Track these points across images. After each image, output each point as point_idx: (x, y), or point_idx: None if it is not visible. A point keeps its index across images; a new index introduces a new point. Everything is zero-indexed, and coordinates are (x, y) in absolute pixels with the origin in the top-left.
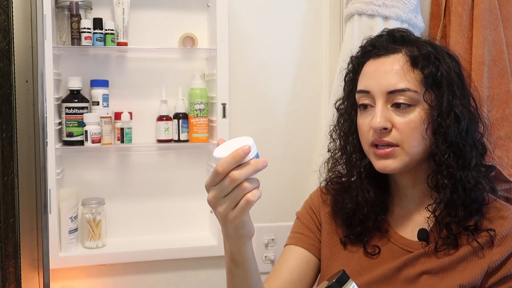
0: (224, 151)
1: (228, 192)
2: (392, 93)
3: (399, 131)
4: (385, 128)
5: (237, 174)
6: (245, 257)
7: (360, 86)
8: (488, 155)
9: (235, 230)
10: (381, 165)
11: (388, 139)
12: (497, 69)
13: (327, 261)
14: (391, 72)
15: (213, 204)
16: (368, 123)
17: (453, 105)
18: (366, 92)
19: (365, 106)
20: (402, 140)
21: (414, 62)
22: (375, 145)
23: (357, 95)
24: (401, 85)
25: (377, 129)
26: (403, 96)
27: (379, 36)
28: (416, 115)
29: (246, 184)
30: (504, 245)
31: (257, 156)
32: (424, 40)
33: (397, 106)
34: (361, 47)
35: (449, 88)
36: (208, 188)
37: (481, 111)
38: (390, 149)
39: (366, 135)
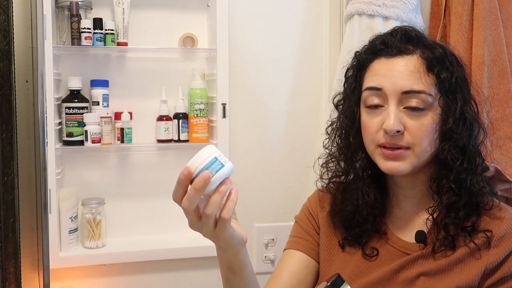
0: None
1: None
2: (406, 93)
3: (412, 134)
4: (398, 131)
5: (186, 206)
6: (242, 264)
7: (370, 83)
8: (488, 155)
9: (226, 243)
10: (389, 166)
11: (400, 142)
12: (497, 69)
13: (325, 264)
14: (405, 72)
15: (195, 229)
16: (377, 123)
17: (465, 111)
18: (378, 90)
19: (374, 106)
20: (413, 143)
21: (430, 66)
22: (383, 146)
23: (366, 93)
24: (417, 87)
25: (390, 131)
26: (417, 99)
27: (391, 35)
28: (429, 119)
29: (206, 210)
30: (501, 246)
31: (213, 161)
32: (432, 41)
33: (411, 109)
34: (370, 44)
35: (462, 94)
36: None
37: (480, 115)
38: (400, 151)
39: (373, 136)
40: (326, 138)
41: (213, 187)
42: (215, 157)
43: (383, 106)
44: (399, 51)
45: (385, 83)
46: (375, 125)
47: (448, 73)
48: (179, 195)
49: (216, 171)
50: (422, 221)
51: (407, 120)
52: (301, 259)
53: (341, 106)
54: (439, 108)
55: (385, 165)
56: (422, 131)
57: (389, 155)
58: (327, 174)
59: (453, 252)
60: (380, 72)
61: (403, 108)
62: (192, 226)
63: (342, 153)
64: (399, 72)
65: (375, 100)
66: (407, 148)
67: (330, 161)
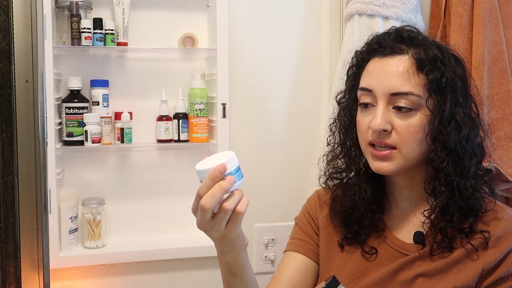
0: (205, 165)
1: (213, 214)
2: (394, 95)
3: (399, 134)
4: (385, 130)
5: (207, 203)
6: (243, 267)
7: (363, 84)
8: (488, 156)
9: (231, 244)
10: (377, 166)
11: (387, 141)
12: (497, 69)
13: (324, 264)
14: (395, 74)
15: (204, 228)
16: (368, 122)
17: (455, 112)
18: (368, 91)
19: (365, 105)
20: (400, 143)
21: (420, 66)
22: (373, 145)
23: (359, 92)
24: (405, 88)
25: (376, 130)
26: (405, 100)
27: (386, 34)
28: (417, 119)
29: (226, 204)
30: (499, 246)
31: (238, 169)
32: (431, 41)
33: (398, 109)
34: (367, 43)
35: (453, 95)
36: (195, 212)
37: (481, 116)
38: (387, 151)
39: (364, 134)
40: (330, 135)
41: (219, 196)
42: (239, 166)
43: (374, 106)
44: (392, 51)
45: (375, 84)
46: (366, 124)
47: (438, 74)
48: (207, 190)
49: (238, 180)
50: (419, 221)
51: (395, 120)
52: (301, 261)
53: (342, 104)
54: (428, 109)
55: (373, 164)
56: (410, 131)
57: (376, 155)
58: (329, 171)
59: (450, 253)
60: (372, 72)
61: (392, 108)
62: (202, 225)
63: (342, 150)
64: (389, 73)
65: (367, 100)
66: (394, 148)
67: (332, 158)
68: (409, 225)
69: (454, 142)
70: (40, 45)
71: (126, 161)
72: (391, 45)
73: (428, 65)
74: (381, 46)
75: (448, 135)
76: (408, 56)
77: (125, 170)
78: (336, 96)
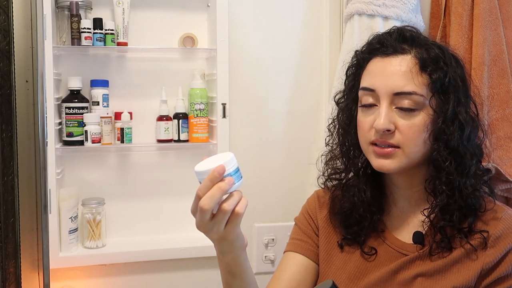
0: (204, 166)
1: (213, 215)
2: (398, 95)
3: (402, 133)
4: (388, 130)
5: (206, 204)
6: (242, 268)
7: (365, 83)
8: (487, 156)
9: (230, 245)
10: (379, 163)
11: (390, 141)
12: (497, 69)
13: (324, 265)
14: (398, 73)
15: (204, 229)
16: (370, 121)
17: (458, 112)
18: (371, 90)
19: (367, 105)
20: (403, 143)
21: (423, 66)
22: (375, 144)
23: (360, 92)
24: (408, 88)
25: (380, 130)
26: (408, 100)
27: (388, 34)
28: (420, 119)
29: (225, 206)
30: (498, 246)
31: (237, 170)
32: (431, 41)
33: (401, 108)
34: (368, 43)
35: (455, 94)
36: (194, 213)
37: (481, 116)
38: (390, 149)
39: (366, 134)
40: (328, 136)
41: (218, 197)
42: (238, 167)
43: (376, 105)
44: (394, 51)
45: (378, 84)
46: (368, 124)
47: (441, 73)
48: (206, 191)
49: (237, 181)
50: (419, 221)
51: (398, 120)
52: (301, 262)
53: (341, 104)
54: (431, 109)
55: (375, 162)
56: (413, 131)
57: (379, 153)
58: (328, 171)
59: (449, 253)
60: (374, 72)
61: (395, 107)
62: (202, 226)
63: (341, 151)
64: (392, 73)
65: (369, 100)
66: (397, 147)
67: (331, 158)
68: (409, 225)
69: (456, 141)
70: (40, 45)
71: (126, 161)
72: (393, 44)
73: (431, 65)
74: (383, 45)
75: (451, 135)
76: (411, 56)
77: (125, 170)
78: (335, 96)
